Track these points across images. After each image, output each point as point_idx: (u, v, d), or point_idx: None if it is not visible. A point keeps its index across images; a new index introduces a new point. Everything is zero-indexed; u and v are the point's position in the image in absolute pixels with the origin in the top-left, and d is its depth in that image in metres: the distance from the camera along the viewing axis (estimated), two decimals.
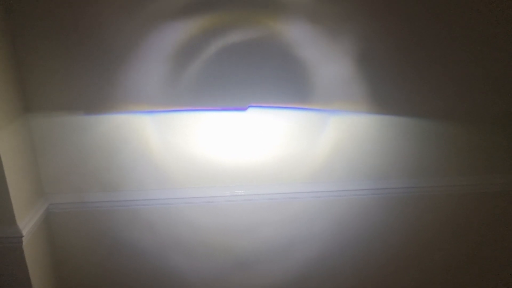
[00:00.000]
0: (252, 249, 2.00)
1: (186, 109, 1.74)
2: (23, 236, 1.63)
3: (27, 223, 1.68)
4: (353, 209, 1.97)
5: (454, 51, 1.74)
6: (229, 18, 1.61)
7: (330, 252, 2.04)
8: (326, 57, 1.70)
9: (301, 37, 1.66)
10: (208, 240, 1.97)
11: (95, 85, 1.68)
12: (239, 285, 2.08)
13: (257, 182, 1.89)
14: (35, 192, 1.80)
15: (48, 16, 1.57)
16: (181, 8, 1.58)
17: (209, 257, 2.00)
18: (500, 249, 2.10)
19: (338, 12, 1.64)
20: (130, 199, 1.86)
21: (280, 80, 1.73)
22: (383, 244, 2.04)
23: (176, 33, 1.62)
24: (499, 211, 2.03)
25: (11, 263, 1.65)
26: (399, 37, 1.70)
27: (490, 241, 2.09)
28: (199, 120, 1.76)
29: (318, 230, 1.99)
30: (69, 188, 1.84)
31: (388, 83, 1.77)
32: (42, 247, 1.84)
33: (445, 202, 1.99)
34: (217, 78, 1.70)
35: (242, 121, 1.79)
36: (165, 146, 1.79)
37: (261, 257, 2.02)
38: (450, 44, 1.73)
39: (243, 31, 1.63)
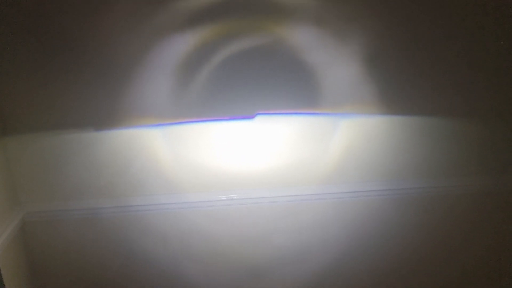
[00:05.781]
0: (265, 253, 1.99)
1: (195, 120, 1.74)
2: None
3: (0, 234, 1.59)
4: (366, 211, 1.96)
5: (463, 50, 1.73)
6: (234, 26, 1.60)
7: (344, 254, 2.03)
8: (334, 60, 1.69)
9: (307, 41, 1.65)
10: (218, 246, 1.95)
11: (100, 101, 1.68)
12: None
13: (269, 186, 1.88)
14: (9, 202, 1.72)
15: (47, 32, 1.56)
16: (186, 19, 1.58)
17: (220, 263, 1.99)
18: None
19: (344, 15, 1.63)
20: (125, 205, 1.83)
21: (288, 86, 1.72)
22: (397, 245, 2.03)
23: (181, 44, 1.61)
24: None
25: None
26: (407, 37, 1.69)
27: (506, 241, 2.07)
28: (208, 130, 1.76)
29: (331, 232, 1.98)
30: (47, 196, 1.79)
31: (397, 84, 1.76)
32: (19, 258, 1.77)
33: (458, 201, 1.97)
34: (224, 87, 1.70)
35: (250, 129, 1.78)
36: (175, 158, 1.79)
37: (275, 261, 2.01)
38: (459, 43, 1.72)
39: (248, 39, 1.63)
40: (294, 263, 2.01)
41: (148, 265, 1.94)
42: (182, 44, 1.61)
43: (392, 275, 2.09)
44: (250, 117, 1.73)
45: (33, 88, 1.64)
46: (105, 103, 1.68)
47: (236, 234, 1.93)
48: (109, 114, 1.70)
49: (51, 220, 1.81)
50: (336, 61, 1.68)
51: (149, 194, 1.83)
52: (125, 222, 1.85)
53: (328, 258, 2.02)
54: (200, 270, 1.99)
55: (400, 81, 1.75)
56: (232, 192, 1.86)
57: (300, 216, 1.93)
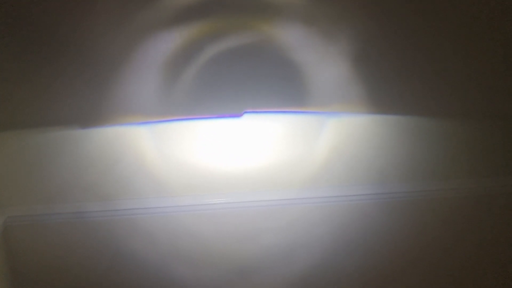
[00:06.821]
0: (252, 256, 1.98)
1: (181, 118, 1.74)
2: None
3: None
4: (353, 214, 1.93)
5: (452, 49, 1.72)
6: (221, 24, 1.61)
7: (331, 258, 2.01)
8: (322, 58, 1.68)
9: (295, 39, 1.65)
10: (207, 248, 1.94)
11: (85, 97, 1.66)
12: None
13: (256, 188, 1.87)
14: None
15: (28, 25, 1.53)
16: (173, 17, 1.57)
17: (209, 265, 1.97)
18: (503, 252, 2.09)
19: (332, 13, 1.63)
20: (112, 209, 1.80)
21: (276, 84, 1.72)
22: (385, 249, 2.01)
23: (168, 42, 1.61)
24: (504, 214, 2.03)
25: None
26: (396, 36, 1.69)
27: (494, 244, 2.07)
28: (195, 128, 1.76)
29: (318, 236, 1.96)
30: (29, 199, 1.76)
31: (386, 83, 1.75)
32: (0, 265, 1.74)
33: (448, 205, 1.95)
34: (211, 85, 1.70)
35: (238, 128, 1.77)
36: (161, 156, 1.78)
37: (262, 264, 2.00)
38: (448, 42, 1.71)
39: (237, 36, 1.63)
40: (281, 263, 2.00)
41: (137, 269, 1.91)
42: (169, 41, 1.60)
43: (380, 278, 2.07)
44: (237, 115, 1.74)
45: (13, 83, 1.60)
46: (90, 99, 1.65)
47: (222, 235, 1.92)
48: (94, 112, 1.67)
49: (35, 225, 1.77)
50: (324, 59, 1.67)
51: (137, 194, 1.81)
52: (112, 225, 1.82)
53: (314, 260, 2.00)
54: (189, 272, 1.97)
55: (388, 80, 1.74)
56: (221, 195, 1.85)
57: (286, 218, 1.91)
